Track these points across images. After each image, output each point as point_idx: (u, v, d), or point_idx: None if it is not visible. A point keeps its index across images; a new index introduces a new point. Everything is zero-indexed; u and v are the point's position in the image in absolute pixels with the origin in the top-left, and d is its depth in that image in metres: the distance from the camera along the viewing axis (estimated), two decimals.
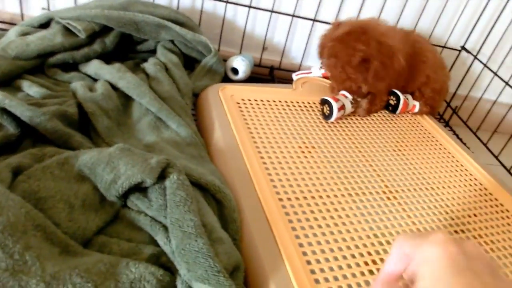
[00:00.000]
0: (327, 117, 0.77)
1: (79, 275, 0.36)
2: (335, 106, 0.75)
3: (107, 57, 0.79)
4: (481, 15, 1.02)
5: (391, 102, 0.85)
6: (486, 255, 0.30)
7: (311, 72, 0.92)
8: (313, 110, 0.79)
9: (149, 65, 0.77)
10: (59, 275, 0.35)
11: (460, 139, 0.97)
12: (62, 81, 0.72)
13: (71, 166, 0.48)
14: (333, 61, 0.77)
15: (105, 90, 0.64)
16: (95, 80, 0.72)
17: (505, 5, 1.01)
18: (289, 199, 0.57)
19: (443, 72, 0.91)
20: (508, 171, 0.88)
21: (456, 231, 0.61)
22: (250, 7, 0.96)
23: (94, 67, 0.73)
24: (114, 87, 0.68)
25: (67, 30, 0.75)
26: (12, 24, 0.86)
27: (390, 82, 0.80)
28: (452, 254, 0.28)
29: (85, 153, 0.49)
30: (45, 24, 0.77)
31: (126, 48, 0.84)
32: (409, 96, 0.87)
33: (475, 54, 1.07)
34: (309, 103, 0.81)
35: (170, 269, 0.43)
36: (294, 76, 0.91)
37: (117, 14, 0.78)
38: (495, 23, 1.01)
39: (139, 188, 0.47)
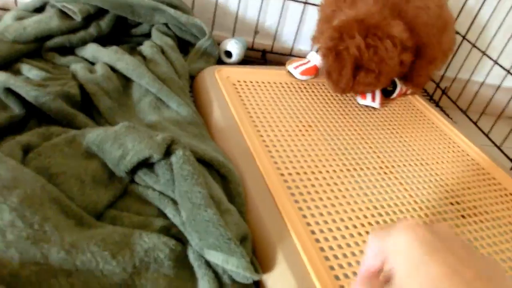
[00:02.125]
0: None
1: (96, 244, 0.37)
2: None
3: (103, 41, 0.79)
4: None
5: (387, 88, 0.86)
6: (460, 236, 0.29)
7: (309, 61, 0.86)
8: (307, 91, 0.81)
9: (146, 48, 0.77)
10: (77, 244, 0.36)
11: (451, 118, 1.00)
12: (60, 64, 0.71)
13: (79, 144, 0.48)
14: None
15: (105, 72, 0.65)
16: (92, 63, 0.72)
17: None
18: (290, 174, 0.58)
19: (444, 37, 0.82)
20: (498, 147, 0.91)
21: (451, 203, 0.63)
22: None
23: (92, 50, 0.73)
24: (113, 69, 0.68)
25: (63, 13, 0.75)
26: (5, 9, 0.86)
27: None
28: (423, 237, 0.28)
29: (91, 131, 0.50)
30: (40, 8, 0.77)
31: (121, 32, 0.84)
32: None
33: (463, 34, 1.10)
34: (302, 84, 0.82)
35: (181, 240, 0.44)
36: (292, 70, 0.84)
37: None
38: (482, 4, 1.04)
39: (146, 164, 0.49)
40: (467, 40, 1.08)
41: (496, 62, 0.99)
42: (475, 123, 0.99)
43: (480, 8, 1.05)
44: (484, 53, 1.03)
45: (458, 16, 1.09)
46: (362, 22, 0.71)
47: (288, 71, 0.84)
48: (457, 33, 1.10)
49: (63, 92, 0.56)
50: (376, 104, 0.81)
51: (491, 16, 1.05)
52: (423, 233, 0.28)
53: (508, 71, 0.95)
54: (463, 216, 0.61)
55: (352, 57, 0.71)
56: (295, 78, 0.84)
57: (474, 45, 1.05)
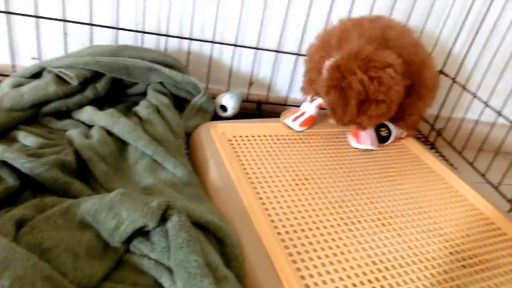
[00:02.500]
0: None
1: None
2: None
3: (99, 102, 0.81)
4: (456, 39, 1.08)
5: (382, 133, 0.87)
6: None
7: (304, 112, 0.86)
8: (303, 142, 0.82)
9: (141, 108, 0.78)
10: None
11: (447, 160, 1.00)
12: (57, 129, 0.73)
13: (73, 214, 0.48)
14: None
15: (101, 136, 0.66)
16: (89, 126, 0.74)
17: (478, 30, 1.06)
18: (287, 232, 0.58)
19: (426, 74, 0.85)
20: (495, 188, 0.91)
21: (451, 253, 0.62)
22: (235, 45, 0.99)
23: (88, 113, 0.74)
24: (109, 132, 0.69)
25: (59, 79, 0.77)
26: (4, 75, 0.88)
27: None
28: None
29: (86, 201, 0.50)
30: (37, 74, 0.79)
31: (117, 92, 0.86)
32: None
33: (453, 77, 1.12)
34: (298, 135, 0.83)
35: None
36: (290, 123, 0.85)
37: (108, 60, 0.80)
38: (469, 47, 1.07)
39: (141, 232, 0.48)
40: (457, 83, 1.10)
41: (486, 104, 1.01)
42: (471, 164, 0.99)
43: (467, 51, 1.07)
44: (474, 95, 1.04)
45: (446, 60, 1.12)
46: (357, 56, 0.73)
47: (286, 124, 0.86)
48: (447, 75, 1.12)
49: (59, 161, 0.56)
50: (373, 145, 0.82)
51: (479, 56, 1.07)
52: None
53: (499, 113, 0.96)
54: (463, 266, 0.60)
55: (356, 92, 0.72)
56: (293, 130, 0.85)
57: (464, 88, 1.07)
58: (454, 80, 1.11)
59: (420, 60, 0.84)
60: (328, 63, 0.77)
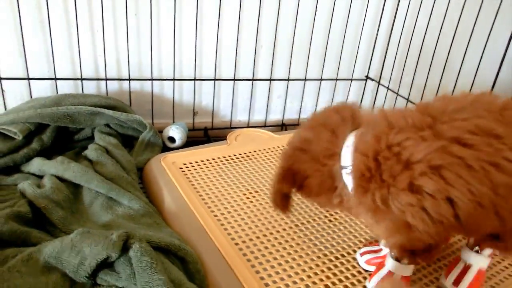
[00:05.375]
0: None
1: None
2: None
3: (47, 152, 0.82)
4: (374, 46, 1.20)
5: None
6: None
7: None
8: (250, 159, 0.87)
9: (90, 151, 0.81)
10: None
11: None
12: (6, 184, 0.74)
13: (36, 260, 0.50)
14: None
15: (53, 184, 0.68)
16: (39, 177, 0.75)
17: (390, 35, 1.19)
18: (244, 241, 0.63)
19: None
20: None
21: None
22: (174, 80, 1.04)
23: (37, 164, 0.76)
24: (61, 179, 0.71)
25: (3, 135, 0.78)
26: None
27: None
28: None
29: (47, 245, 0.52)
30: None
31: (65, 140, 0.88)
32: None
33: (378, 80, 1.23)
34: (245, 153, 0.89)
35: None
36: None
37: (50, 111, 0.82)
38: (386, 51, 1.18)
39: (105, 264, 0.51)
40: (381, 85, 1.21)
41: (408, 100, 1.12)
42: None
43: (385, 56, 1.19)
44: (397, 93, 1.15)
45: (369, 66, 1.22)
46: None
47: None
48: (373, 80, 1.23)
49: (14, 213, 0.58)
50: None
51: (394, 60, 1.19)
52: None
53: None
54: None
55: None
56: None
57: (388, 88, 1.18)
58: (379, 83, 1.22)
59: None
60: None
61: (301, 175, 0.50)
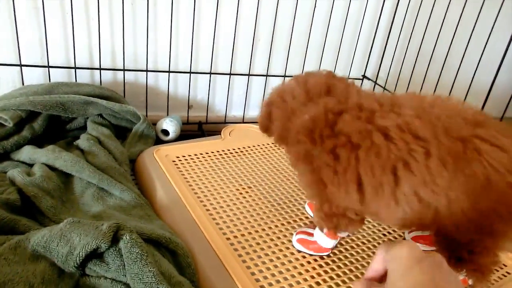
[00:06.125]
0: None
1: None
2: None
3: (38, 141, 0.81)
4: (372, 45, 1.20)
5: None
6: (444, 264, 0.35)
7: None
8: (244, 154, 0.87)
9: (82, 141, 0.80)
10: None
11: None
12: None
13: (24, 248, 0.50)
14: None
15: (44, 172, 0.67)
16: (29, 165, 0.74)
17: (388, 35, 1.19)
18: (235, 236, 0.62)
19: None
20: None
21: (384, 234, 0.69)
22: (169, 72, 1.03)
23: (27, 152, 0.75)
24: (51, 168, 0.70)
25: None
26: None
27: None
28: (419, 253, 0.35)
29: (35, 234, 0.51)
30: None
31: (57, 129, 0.87)
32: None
33: (374, 80, 1.23)
34: (239, 148, 0.89)
35: None
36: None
37: (42, 98, 0.81)
38: (384, 52, 1.18)
39: (95, 255, 0.50)
40: (378, 85, 1.21)
41: None
42: None
43: (383, 56, 1.19)
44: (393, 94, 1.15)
45: (367, 65, 1.22)
46: None
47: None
48: (369, 79, 1.23)
49: (2, 200, 0.57)
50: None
51: (392, 60, 1.19)
52: (419, 251, 0.35)
53: None
54: None
55: None
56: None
57: (384, 88, 1.18)
58: (375, 83, 1.22)
59: None
60: None
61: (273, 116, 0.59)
